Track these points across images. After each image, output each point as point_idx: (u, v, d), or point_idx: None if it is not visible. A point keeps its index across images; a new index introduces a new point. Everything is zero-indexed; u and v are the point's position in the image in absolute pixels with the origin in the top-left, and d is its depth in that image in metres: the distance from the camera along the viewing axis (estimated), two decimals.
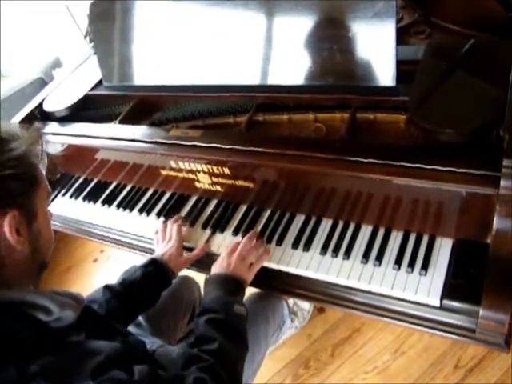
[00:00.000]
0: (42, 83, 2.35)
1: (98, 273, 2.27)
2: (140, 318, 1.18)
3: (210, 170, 1.13)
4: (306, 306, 1.68)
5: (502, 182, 0.77)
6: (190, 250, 1.16)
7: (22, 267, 0.71)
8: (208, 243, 1.15)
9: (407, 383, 1.47)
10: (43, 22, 2.50)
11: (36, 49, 2.57)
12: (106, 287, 1.03)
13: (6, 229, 0.66)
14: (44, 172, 0.76)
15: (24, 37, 2.54)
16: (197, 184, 1.21)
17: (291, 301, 1.63)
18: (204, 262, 1.14)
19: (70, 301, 0.70)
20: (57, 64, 2.51)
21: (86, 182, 1.49)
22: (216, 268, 1.02)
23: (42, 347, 0.63)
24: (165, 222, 1.21)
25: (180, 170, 1.19)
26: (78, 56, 1.72)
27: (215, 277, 0.99)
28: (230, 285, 0.96)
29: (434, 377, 1.46)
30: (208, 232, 1.18)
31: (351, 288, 0.97)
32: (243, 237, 1.09)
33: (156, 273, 1.06)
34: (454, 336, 0.87)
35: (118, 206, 1.36)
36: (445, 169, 0.84)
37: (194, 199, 1.27)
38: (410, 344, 1.55)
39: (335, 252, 1.01)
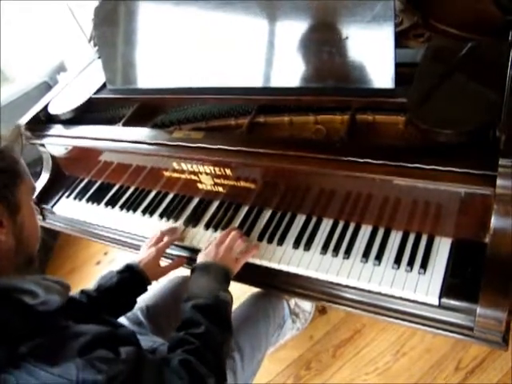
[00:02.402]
0: (46, 87, 2.37)
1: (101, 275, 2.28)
2: (141, 318, 1.20)
3: (212, 172, 1.15)
4: (307, 307, 1.69)
5: (499, 181, 0.78)
6: (193, 250, 1.18)
7: (8, 259, 0.73)
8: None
9: None
10: (48, 26, 2.53)
11: (41, 53, 2.59)
12: (82, 292, 1.05)
13: None
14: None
15: (29, 41, 2.57)
16: (199, 185, 1.23)
17: (293, 302, 1.64)
18: None
19: (55, 285, 0.73)
20: (61, 68, 2.54)
21: (89, 184, 1.51)
22: (203, 256, 1.04)
23: (31, 330, 0.65)
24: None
25: (182, 172, 1.21)
26: (82, 60, 1.74)
27: (202, 265, 1.01)
28: (216, 273, 0.98)
29: (435, 378, 1.47)
30: (210, 232, 1.19)
31: (351, 287, 0.98)
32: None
33: (131, 279, 1.08)
34: (452, 334, 0.88)
35: (122, 207, 1.37)
36: (443, 168, 0.85)
37: (196, 200, 1.28)
38: (411, 345, 1.56)
39: (335, 251, 1.02)
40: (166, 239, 1.17)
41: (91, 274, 2.31)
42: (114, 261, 2.31)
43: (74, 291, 1.05)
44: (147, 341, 1.06)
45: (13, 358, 0.62)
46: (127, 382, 0.66)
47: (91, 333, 0.68)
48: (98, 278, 1.10)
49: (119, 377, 0.65)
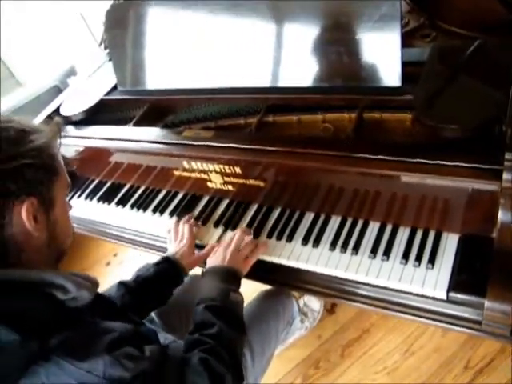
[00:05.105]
0: (57, 91, 2.40)
1: (110, 276, 2.30)
2: (153, 314, 1.21)
3: (222, 170, 1.16)
4: (316, 306, 1.70)
5: (505, 175, 0.79)
6: (202, 247, 1.19)
7: (40, 253, 0.74)
8: (218, 242, 1.18)
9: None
10: (59, 31, 2.57)
11: (52, 57, 2.63)
12: (121, 283, 1.06)
13: (24, 215, 0.69)
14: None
15: (40, 46, 2.60)
16: (209, 184, 1.24)
17: (301, 301, 1.65)
18: None
19: (85, 282, 0.74)
20: (72, 72, 2.57)
21: (100, 184, 1.54)
22: (212, 261, 1.06)
23: (60, 323, 0.66)
24: (177, 221, 1.24)
25: (192, 171, 1.23)
26: (93, 63, 1.77)
27: (212, 269, 1.03)
28: (226, 275, 1.00)
29: (443, 377, 1.46)
30: (220, 230, 1.21)
31: (359, 282, 0.99)
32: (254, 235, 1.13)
33: (168, 270, 1.10)
34: (460, 328, 0.89)
35: (132, 206, 1.39)
36: (450, 164, 0.86)
37: (206, 199, 1.30)
38: (419, 344, 1.56)
39: (344, 248, 1.03)
40: (187, 228, 1.19)
41: (101, 274, 2.33)
42: (124, 262, 2.34)
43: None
44: (159, 337, 1.08)
45: (43, 351, 0.63)
46: (152, 379, 0.68)
47: (118, 330, 0.70)
48: (136, 269, 1.12)
49: (144, 374, 0.66)
